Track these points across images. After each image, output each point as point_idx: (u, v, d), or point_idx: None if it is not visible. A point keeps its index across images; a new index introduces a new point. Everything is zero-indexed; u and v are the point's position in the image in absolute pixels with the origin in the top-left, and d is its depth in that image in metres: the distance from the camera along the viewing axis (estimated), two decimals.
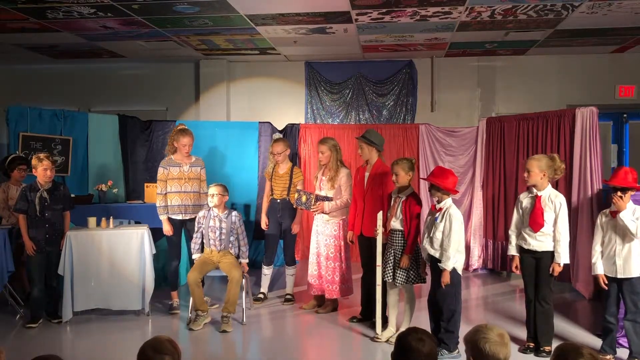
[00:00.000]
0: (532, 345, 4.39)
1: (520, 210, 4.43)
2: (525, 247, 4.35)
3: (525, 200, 4.41)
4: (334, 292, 5.39)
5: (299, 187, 5.74)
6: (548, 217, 4.25)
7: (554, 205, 4.26)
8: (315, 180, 5.65)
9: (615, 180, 4.14)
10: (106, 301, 5.33)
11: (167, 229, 5.48)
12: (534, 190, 4.34)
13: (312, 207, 5.36)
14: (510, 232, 4.50)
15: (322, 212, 5.36)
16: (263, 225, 5.91)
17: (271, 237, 5.92)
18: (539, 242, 4.28)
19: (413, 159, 4.76)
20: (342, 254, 5.36)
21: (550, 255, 4.26)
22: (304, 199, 5.42)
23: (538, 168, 4.27)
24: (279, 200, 5.85)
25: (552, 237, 4.25)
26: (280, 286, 6.21)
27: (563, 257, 4.22)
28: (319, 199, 5.35)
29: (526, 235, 4.34)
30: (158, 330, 5.03)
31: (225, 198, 5.29)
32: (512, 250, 4.46)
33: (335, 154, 5.39)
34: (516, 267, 4.44)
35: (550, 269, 4.25)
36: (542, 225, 4.24)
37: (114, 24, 6.96)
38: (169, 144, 5.66)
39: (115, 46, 8.21)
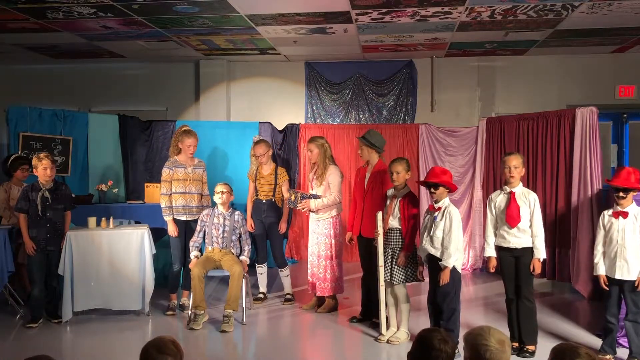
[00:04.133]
0: (515, 345, 4.35)
1: (494, 210, 4.41)
2: (505, 245, 4.32)
3: (498, 198, 4.40)
4: (326, 289, 5.41)
5: (285, 188, 5.82)
6: (523, 212, 4.25)
7: (529, 201, 4.27)
8: (308, 179, 5.70)
9: (617, 181, 4.12)
10: (106, 301, 5.33)
11: (171, 230, 5.47)
12: (507, 187, 4.35)
13: (298, 205, 5.39)
14: (486, 233, 4.46)
15: (310, 210, 5.40)
16: (249, 227, 5.92)
17: (258, 238, 5.95)
18: (517, 238, 4.26)
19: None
20: (334, 252, 5.38)
21: (530, 252, 4.25)
22: (292, 197, 5.49)
23: (521, 165, 4.32)
24: (264, 201, 5.88)
25: (530, 234, 4.25)
26: (280, 287, 6.21)
27: (542, 252, 4.23)
28: (305, 196, 5.39)
29: (504, 233, 4.31)
30: (158, 330, 5.04)
31: (231, 197, 5.41)
32: (490, 252, 4.42)
33: (324, 152, 5.41)
34: (493, 267, 4.42)
35: (531, 267, 4.24)
36: (518, 220, 4.22)
37: (114, 24, 6.96)
38: (172, 145, 5.65)
39: (115, 46, 8.21)
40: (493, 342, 2.18)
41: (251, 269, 5.83)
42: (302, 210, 5.52)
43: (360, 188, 5.16)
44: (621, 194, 4.11)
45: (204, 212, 5.41)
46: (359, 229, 5.11)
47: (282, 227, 5.94)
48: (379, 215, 4.65)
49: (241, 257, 5.35)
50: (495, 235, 4.40)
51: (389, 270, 4.59)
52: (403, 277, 4.55)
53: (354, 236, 5.23)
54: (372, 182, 5.03)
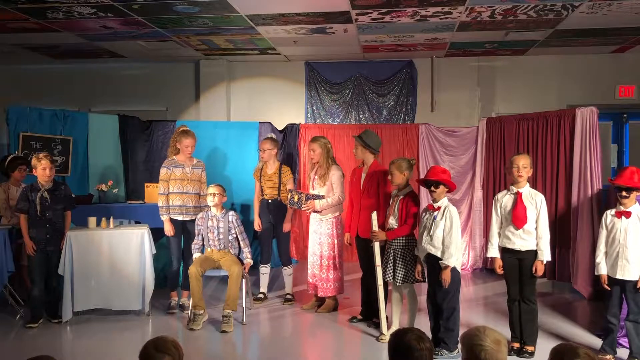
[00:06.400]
0: (516, 346, 4.35)
1: (500, 210, 4.38)
2: (509, 246, 4.30)
3: (504, 199, 4.37)
4: (329, 290, 5.42)
5: (289, 187, 5.79)
6: (530, 214, 4.23)
7: (535, 202, 4.25)
8: (308, 179, 5.69)
9: (620, 180, 4.11)
10: (106, 301, 5.33)
11: (168, 229, 5.49)
12: (514, 188, 4.33)
13: (303, 206, 5.38)
14: (490, 233, 4.44)
15: (314, 211, 5.39)
16: (256, 227, 5.94)
17: (264, 237, 5.96)
18: (523, 240, 4.23)
19: (412, 159, 4.79)
20: (336, 252, 5.38)
21: (534, 255, 4.23)
22: (295, 198, 5.46)
23: (529, 165, 4.31)
24: (270, 201, 5.88)
25: (535, 235, 4.23)
26: (280, 286, 6.22)
27: (546, 254, 4.20)
28: (309, 197, 5.39)
29: (509, 234, 4.29)
30: (158, 330, 5.04)
31: (224, 198, 5.36)
32: (493, 252, 4.40)
33: (326, 152, 5.41)
34: (500, 267, 4.39)
35: (533, 268, 4.22)
36: (525, 222, 4.20)
37: (114, 24, 6.96)
38: (170, 145, 5.67)
39: (115, 46, 8.21)
40: (488, 342, 2.18)
41: (253, 269, 5.84)
42: (307, 211, 5.51)
43: (356, 188, 5.15)
44: (624, 193, 4.10)
45: (199, 215, 5.40)
46: (356, 230, 5.11)
47: (286, 226, 5.93)
48: (374, 215, 4.67)
49: (245, 260, 5.34)
50: (499, 235, 4.39)
51: (391, 271, 4.60)
52: (405, 278, 4.54)
53: (352, 237, 5.23)
54: (368, 183, 5.03)
